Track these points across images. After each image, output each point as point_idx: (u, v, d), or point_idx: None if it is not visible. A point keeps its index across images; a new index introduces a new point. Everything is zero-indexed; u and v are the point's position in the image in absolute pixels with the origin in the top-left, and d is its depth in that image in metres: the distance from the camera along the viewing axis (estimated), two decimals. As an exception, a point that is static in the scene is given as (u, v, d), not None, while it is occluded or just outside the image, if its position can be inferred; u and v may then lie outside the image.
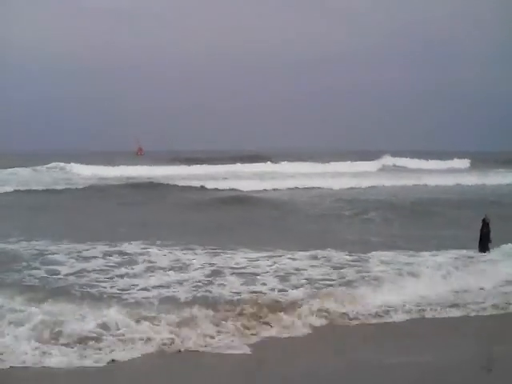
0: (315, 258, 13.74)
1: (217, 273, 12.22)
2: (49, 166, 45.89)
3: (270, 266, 12.84)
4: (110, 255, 13.78)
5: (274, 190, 32.25)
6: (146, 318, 9.02)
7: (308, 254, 14.07)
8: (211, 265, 12.92)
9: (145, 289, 10.98)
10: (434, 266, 12.72)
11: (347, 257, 13.83)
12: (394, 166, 54.03)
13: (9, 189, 29.35)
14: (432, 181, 36.75)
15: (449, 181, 36.85)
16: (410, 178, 37.84)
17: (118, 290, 10.92)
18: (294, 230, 18.85)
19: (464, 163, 58.61)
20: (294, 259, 13.59)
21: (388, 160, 55.31)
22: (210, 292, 10.71)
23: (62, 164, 45.73)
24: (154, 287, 11.09)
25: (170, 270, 12.46)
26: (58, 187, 31.67)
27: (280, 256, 13.83)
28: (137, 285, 11.24)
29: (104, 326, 8.62)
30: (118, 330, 8.56)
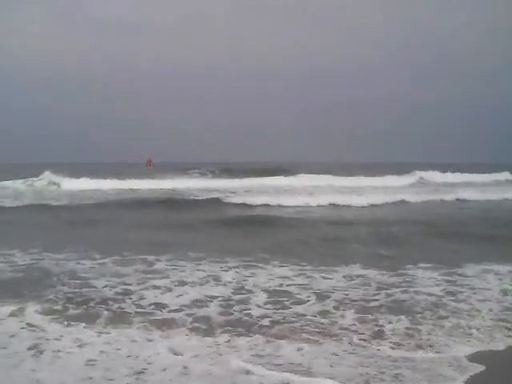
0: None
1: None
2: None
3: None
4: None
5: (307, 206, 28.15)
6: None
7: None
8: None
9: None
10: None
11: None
12: (424, 179, 50.51)
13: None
14: (478, 196, 33.60)
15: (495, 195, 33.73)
16: (452, 193, 34.70)
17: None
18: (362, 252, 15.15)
19: (504, 176, 54.25)
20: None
21: (420, 174, 51.77)
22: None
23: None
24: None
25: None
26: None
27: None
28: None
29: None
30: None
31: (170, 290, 10.46)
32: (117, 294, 10.15)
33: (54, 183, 38.81)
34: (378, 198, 30.09)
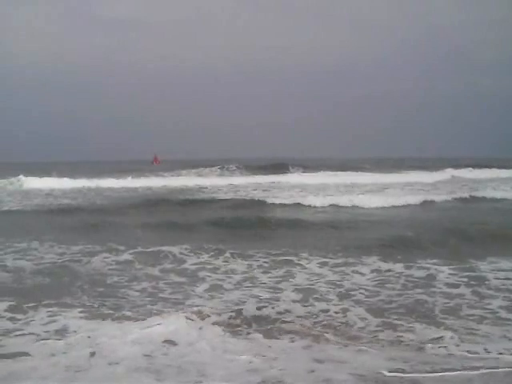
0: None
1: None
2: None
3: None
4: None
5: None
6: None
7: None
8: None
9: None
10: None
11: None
12: (456, 177, 45.75)
13: None
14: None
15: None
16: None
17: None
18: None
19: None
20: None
21: (451, 171, 47.76)
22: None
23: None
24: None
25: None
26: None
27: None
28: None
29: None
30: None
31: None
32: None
33: (14, 182, 38.65)
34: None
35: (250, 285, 10.79)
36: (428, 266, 12.18)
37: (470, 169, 50.71)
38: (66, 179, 39.25)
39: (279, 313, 8.82)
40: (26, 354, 6.76)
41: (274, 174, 45.99)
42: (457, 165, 55.18)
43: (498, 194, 28.21)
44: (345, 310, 8.97)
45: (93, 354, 6.63)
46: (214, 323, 8.00)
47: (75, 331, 7.57)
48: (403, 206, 24.48)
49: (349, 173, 47.23)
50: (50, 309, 8.73)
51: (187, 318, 8.05)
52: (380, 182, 37.98)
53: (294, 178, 43.04)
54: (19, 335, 7.55)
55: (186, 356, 6.73)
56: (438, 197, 26.88)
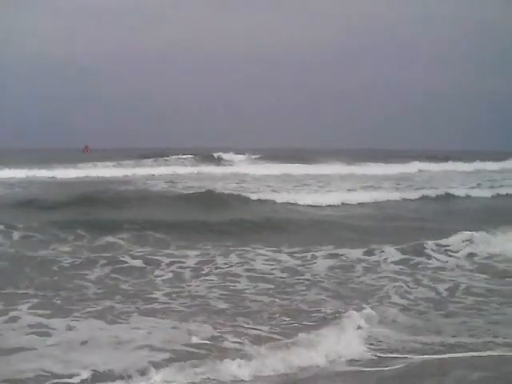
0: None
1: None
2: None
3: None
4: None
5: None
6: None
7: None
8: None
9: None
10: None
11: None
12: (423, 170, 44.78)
13: None
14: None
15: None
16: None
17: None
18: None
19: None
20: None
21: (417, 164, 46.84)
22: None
23: None
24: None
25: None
26: None
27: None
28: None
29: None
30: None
31: None
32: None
33: None
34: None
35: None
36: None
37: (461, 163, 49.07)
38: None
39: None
40: None
41: (213, 164, 45.79)
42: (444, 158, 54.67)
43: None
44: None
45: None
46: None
47: None
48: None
49: (296, 164, 45.86)
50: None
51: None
52: (321, 173, 38.12)
53: (234, 169, 42.80)
54: None
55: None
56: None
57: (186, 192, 24.84)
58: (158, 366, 6.39)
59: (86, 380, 6.16)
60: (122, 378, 6.16)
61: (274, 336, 7.63)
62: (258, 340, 7.39)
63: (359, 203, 23.34)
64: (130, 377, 6.16)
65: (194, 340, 7.30)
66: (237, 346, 7.20)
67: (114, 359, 6.63)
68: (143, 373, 6.22)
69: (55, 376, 6.29)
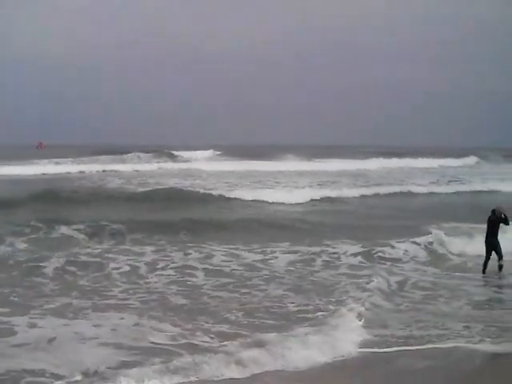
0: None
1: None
2: None
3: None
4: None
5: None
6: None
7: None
8: None
9: None
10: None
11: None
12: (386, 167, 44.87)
13: None
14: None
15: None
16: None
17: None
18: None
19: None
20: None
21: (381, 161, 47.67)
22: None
23: None
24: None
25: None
26: None
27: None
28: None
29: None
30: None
31: None
32: None
33: None
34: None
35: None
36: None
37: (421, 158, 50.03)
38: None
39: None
40: None
41: (172, 161, 45.41)
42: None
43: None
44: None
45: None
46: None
47: None
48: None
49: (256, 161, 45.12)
50: None
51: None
52: (278, 169, 38.12)
53: (191, 165, 42.52)
54: None
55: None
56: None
57: (142, 189, 24.67)
58: (130, 364, 6.45)
59: (63, 378, 6.17)
60: (97, 375, 6.20)
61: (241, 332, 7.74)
62: (226, 337, 7.49)
63: (313, 199, 23.58)
64: (104, 375, 6.19)
65: (160, 338, 7.39)
66: (204, 344, 7.30)
67: (86, 357, 6.69)
68: (117, 371, 6.24)
69: (31, 374, 6.30)
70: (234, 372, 6.54)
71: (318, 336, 7.55)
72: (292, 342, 7.27)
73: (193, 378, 6.30)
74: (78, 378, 6.15)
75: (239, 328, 8.02)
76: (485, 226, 12.30)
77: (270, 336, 7.40)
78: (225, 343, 7.21)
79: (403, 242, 13.89)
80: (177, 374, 6.29)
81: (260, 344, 7.14)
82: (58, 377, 6.21)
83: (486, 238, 12.22)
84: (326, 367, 6.92)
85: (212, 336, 7.60)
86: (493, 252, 12.12)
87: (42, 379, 6.21)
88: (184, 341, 7.39)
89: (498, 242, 12.16)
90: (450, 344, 7.61)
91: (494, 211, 12.39)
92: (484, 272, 12.01)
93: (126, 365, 6.46)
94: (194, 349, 7.06)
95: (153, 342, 7.28)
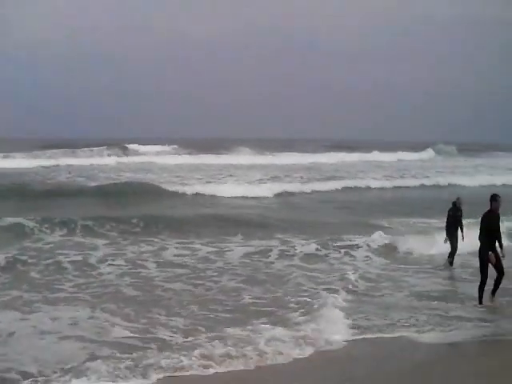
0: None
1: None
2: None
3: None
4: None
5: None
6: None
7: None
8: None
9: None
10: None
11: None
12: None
13: None
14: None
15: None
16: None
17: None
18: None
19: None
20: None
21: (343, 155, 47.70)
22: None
23: None
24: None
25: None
26: None
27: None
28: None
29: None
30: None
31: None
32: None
33: None
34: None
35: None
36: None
37: (376, 152, 50.83)
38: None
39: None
40: None
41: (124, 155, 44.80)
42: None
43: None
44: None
45: None
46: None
47: None
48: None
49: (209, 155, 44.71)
50: None
51: None
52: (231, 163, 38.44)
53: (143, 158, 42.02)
54: None
55: None
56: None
57: (94, 184, 24.39)
58: (98, 359, 6.46)
59: (32, 376, 6.14)
60: (70, 372, 6.18)
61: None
62: (186, 332, 7.54)
63: (265, 196, 23.66)
64: (73, 372, 6.17)
65: (121, 333, 7.45)
66: (167, 337, 7.36)
67: (50, 352, 6.73)
68: (86, 367, 6.25)
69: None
70: (207, 368, 6.52)
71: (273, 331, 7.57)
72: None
73: (163, 375, 6.30)
74: (48, 375, 6.13)
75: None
76: (434, 221, 12.32)
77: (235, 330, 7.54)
78: (189, 339, 7.28)
79: (354, 236, 14.19)
80: (148, 370, 6.30)
81: (226, 338, 7.23)
82: (26, 375, 6.15)
83: (448, 230, 12.29)
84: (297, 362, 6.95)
85: (174, 330, 7.66)
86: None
87: (9, 375, 6.16)
88: (149, 335, 7.43)
89: (457, 236, 12.29)
90: (397, 334, 7.88)
91: (454, 203, 12.47)
92: (451, 264, 12.09)
93: (94, 360, 6.45)
94: (161, 343, 7.11)
95: (116, 337, 7.31)
